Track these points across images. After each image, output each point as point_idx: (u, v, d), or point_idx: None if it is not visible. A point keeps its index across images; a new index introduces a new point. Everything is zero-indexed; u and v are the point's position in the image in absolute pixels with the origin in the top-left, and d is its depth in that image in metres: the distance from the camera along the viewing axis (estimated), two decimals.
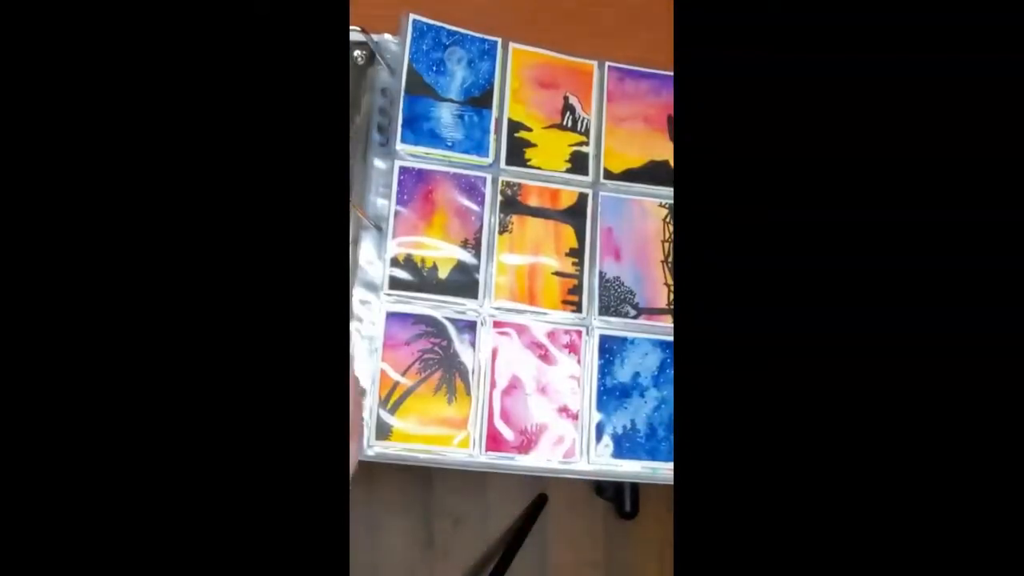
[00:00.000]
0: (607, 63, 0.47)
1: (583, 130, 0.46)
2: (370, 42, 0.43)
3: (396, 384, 0.41)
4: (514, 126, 0.45)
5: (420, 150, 0.44)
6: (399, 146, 0.43)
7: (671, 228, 0.45)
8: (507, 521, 1.04)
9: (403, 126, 0.44)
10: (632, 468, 0.42)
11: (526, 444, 0.42)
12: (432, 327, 0.42)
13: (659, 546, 1.06)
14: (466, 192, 0.44)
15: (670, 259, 0.45)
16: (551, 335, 0.43)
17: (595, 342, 0.43)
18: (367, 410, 0.40)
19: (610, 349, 0.43)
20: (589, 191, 0.45)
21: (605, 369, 0.43)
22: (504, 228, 0.44)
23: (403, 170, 0.43)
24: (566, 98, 0.47)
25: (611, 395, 0.43)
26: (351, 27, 0.41)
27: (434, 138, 0.44)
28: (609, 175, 0.46)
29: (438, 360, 0.42)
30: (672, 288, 0.45)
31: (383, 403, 0.41)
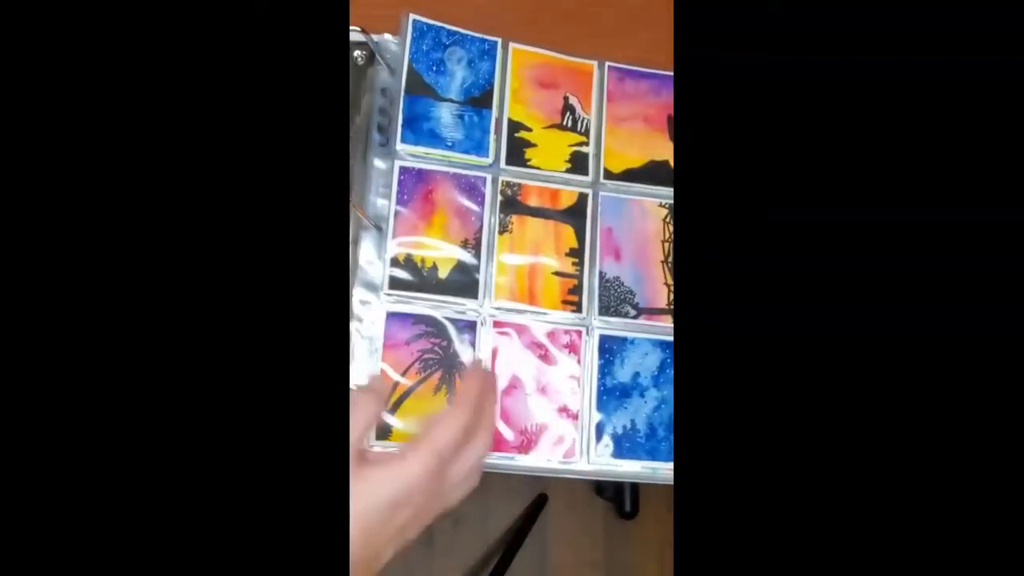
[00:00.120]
0: (607, 63, 0.47)
1: (583, 130, 0.46)
2: (370, 42, 0.43)
3: (396, 384, 0.41)
4: (514, 126, 0.45)
5: (420, 150, 0.44)
6: (399, 146, 0.43)
7: (671, 228, 0.45)
8: (507, 521, 1.04)
9: (403, 126, 0.44)
10: (632, 468, 0.42)
11: (526, 444, 0.42)
12: (432, 327, 0.42)
13: (659, 546, 1.06)
14: (466, 192, 0.44)
15: (670, 259, 0.45)
16: (551, 335, 0.43)
17: (595, 342, 0.43)
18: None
19: (610, 349, 0.43)
20: (589, 191, 0.45)
21: (605, 369, 0.43)
22: (504, 228, 0.44)
23: (403, 170, 0.43)
24: (566, 98, 0.47)
25: (611, 395, 0.43)
26: (351, 27, 0.41)
27: (434, 138, 0.44)
28: (609, 175, 0.46)
29: (438, 360, 0.42)
30: (672, 288, 0.45)
31: None
